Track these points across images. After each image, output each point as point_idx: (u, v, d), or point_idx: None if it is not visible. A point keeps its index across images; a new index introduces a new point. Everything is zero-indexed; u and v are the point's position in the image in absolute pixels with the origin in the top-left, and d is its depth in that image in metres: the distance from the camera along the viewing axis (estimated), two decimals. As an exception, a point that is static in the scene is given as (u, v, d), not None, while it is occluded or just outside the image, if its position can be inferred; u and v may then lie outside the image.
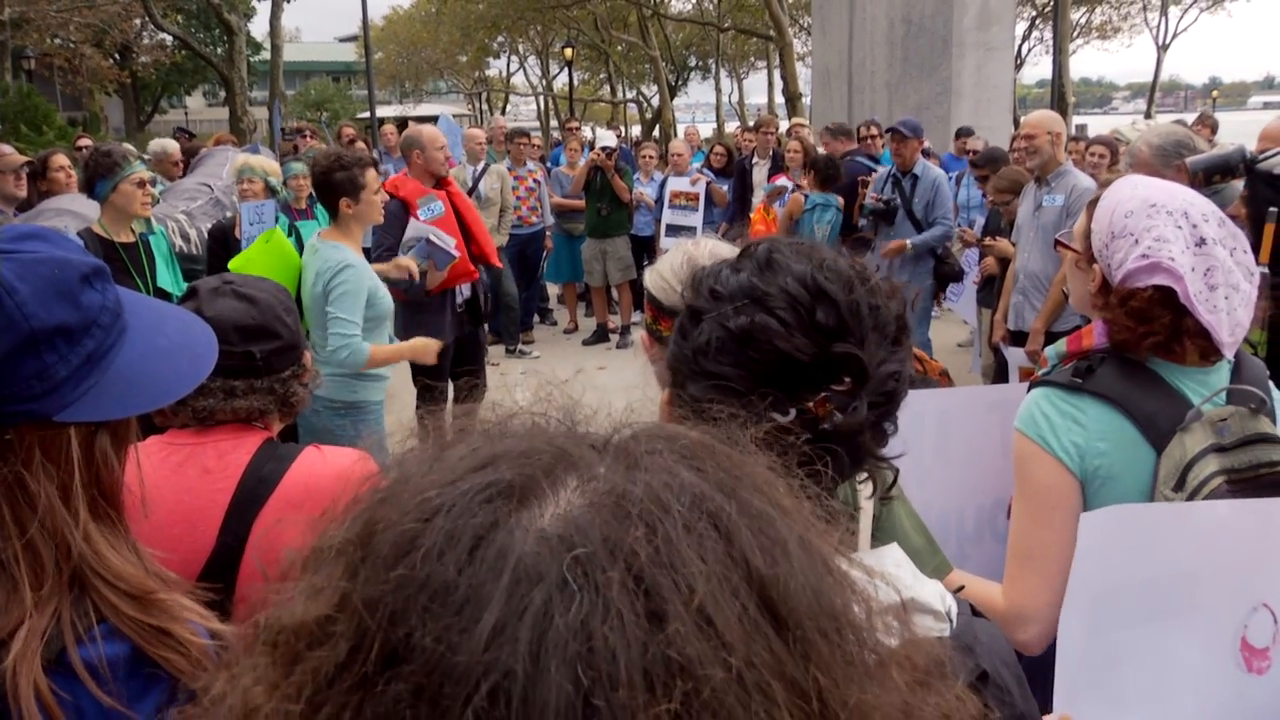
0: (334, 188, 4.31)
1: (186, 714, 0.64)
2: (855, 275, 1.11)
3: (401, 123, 14.73)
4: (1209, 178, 3.25)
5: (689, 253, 1.96)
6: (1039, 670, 1.62)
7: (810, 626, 0.54)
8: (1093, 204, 1.96)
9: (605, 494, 0.55)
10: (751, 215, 9.57)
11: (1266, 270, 1.95)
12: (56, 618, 1.05)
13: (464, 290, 6.43)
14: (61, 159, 6.35)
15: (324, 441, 2.15)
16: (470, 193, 8.69)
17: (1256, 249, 2.99)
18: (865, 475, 1.18)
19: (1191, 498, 1.71)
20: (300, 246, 5.18)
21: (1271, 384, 1.92)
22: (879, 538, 1.22)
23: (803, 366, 1.06)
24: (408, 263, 5.18)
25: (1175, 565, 1.59)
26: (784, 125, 14.39)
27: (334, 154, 4.44)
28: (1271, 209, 3.12)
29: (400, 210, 5.95)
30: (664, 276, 1.97)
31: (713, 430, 0.66)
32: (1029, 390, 1.97)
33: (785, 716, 0.50)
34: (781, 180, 9.19)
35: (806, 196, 8.17)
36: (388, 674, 0.50)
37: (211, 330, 1.28)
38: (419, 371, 6.09)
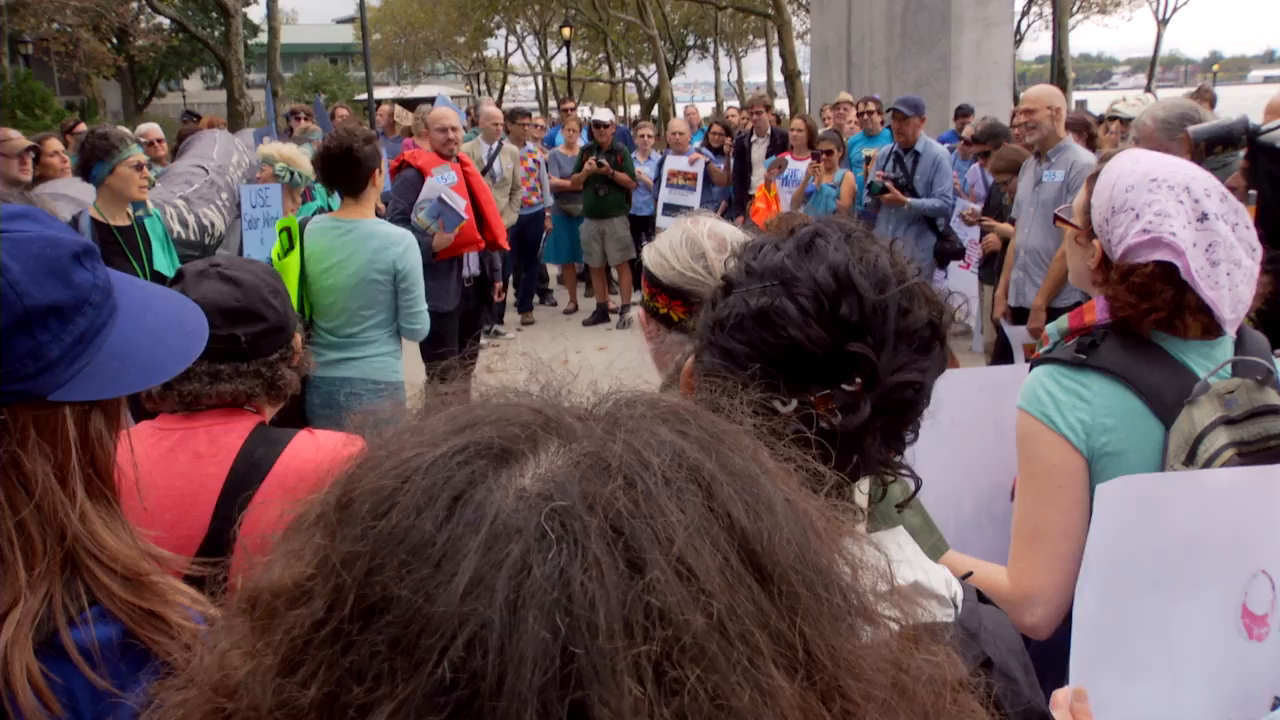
0: (363, 162, 4.32)
1: (168, 685, 0.64)
2: (893, 274, 1.07)
3: (400, 104, 14.69)
4: (1210, 147, 3.23)
5: (688, 230, 1.96)
6: (1047, 658, 1.60)
7: (796, 580, 0.54)
8: (1092, 178, 1.93)
9: (585, 454, 0.55)
10: (753, 193, 9.53)
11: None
12: (48, 600, 1.05)
13: (472, 265, 6.52)
14: (55, 144, 6.31)
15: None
16: (484, 171, 8.67)
17: (1257, 220, 2.97)
18: (877, 482, 1.15)
19: None
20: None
21: (1275, 356, 1.90)
22: (873, 518, 1.20)
23: (813, 358, 1.04)
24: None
25: (1182, 533, 1.58)
26: (781, 105, 14.30)
27: (347, 133, 4.42)
28: (1250, 191, 3.09)
29: (416, 178, 6.33)
30: (663, 253, 1.96)
31: (703, 400, 0.65)
32: (1030, 369, 1.94)
33: (769, 665, 0.50)
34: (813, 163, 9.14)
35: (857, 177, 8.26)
36: (364, 627, 0.50)
37: (199, 309, 1.27)
38: (428, 343, 6.15)
